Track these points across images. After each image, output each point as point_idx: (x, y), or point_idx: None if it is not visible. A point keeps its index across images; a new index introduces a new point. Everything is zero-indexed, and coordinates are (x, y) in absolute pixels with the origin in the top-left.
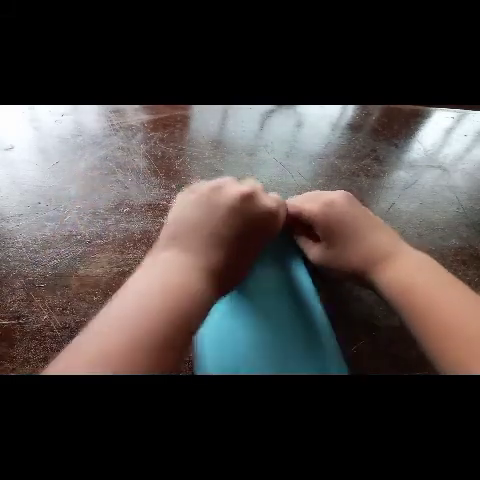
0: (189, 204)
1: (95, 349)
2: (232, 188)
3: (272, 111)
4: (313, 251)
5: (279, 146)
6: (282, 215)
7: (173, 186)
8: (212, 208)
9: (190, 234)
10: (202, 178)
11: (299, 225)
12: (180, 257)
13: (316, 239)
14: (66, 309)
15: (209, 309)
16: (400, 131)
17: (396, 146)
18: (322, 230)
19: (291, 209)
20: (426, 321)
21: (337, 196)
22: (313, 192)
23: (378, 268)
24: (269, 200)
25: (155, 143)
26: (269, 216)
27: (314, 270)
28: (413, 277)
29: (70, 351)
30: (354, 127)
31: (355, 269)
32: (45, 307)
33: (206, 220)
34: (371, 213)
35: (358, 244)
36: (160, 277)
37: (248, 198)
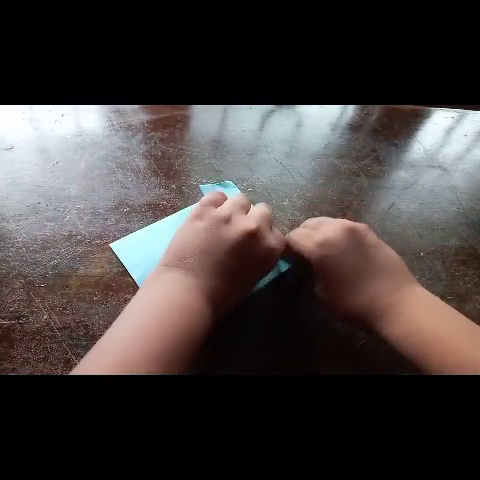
0: (198, 231)
1: (114, 358)
2: (239, 224)
3: (272, 111)
4: (314, 289)
5: (279, 146)
6: (280, 251)
7: (173, 186)
8: (219, 240)
9: (197, 259)
10: (202, 178)
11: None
12: (186, 278)
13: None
14: (66, 309)
15: (208, 328)
16: (400, 131)
17: (396, 146)
18: (317, 273)
19: (292, 247)
20: (460, 365)
21: (332, 234)
22: (313, 221)
23: (384, 320)
24: (271, 238)
25: (155, 143)
26: (268, 255)
27: None
28: (427, 326)
29: (93, 356)
30: (354, 127)
31: (355, 318)
32: (45, 307)
33: (212, 249)
34: (374, 249)
35: (356, 293)
36: (167, 295)
37: (252, 236)
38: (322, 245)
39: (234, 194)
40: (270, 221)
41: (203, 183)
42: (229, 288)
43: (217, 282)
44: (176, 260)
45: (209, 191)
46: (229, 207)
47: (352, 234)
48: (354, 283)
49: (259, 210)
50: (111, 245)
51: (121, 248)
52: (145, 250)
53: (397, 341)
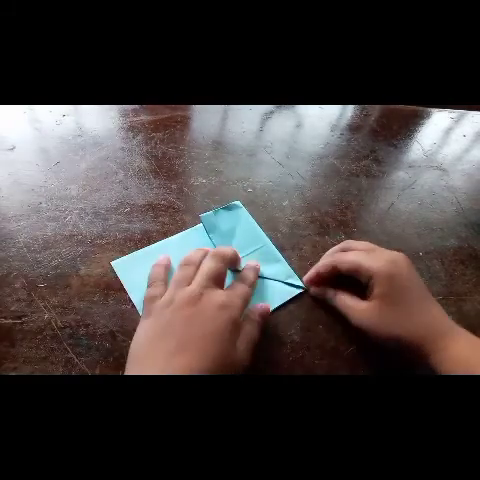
0: (147, 330)
1: None
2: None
3: (272, 112)
4: (360, 309)
5: (279, 147)
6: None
7: (173, 186)
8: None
9: (150, 353)
10: (203, 178)
11: (339, 284)
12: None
13: (362, 297)
14: (67, 308)
15: None
16: (399, 132)
17: (395, 147)
18: (383, 290)
19: (346, 265)
20: None
21: (399, 257)
22: (361, 245)
23: (438, 346)
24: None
25: (156, 144)
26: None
27: None
28: (477, 356)
29: None
30: (353, 128)
31: (411, 341)
32: (46, 307)
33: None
34: (420, 280)
35: (419, 315)
36: None
37: (195, 299)
38: (393, 262)
39: (241, 216)
40: (246, 300)
41: (203, 212)
42: (203, 358)
43: (181, 361)
44: (132, 362)
45: (210, 220)
46: (198, 284)
47: (408, 261)
48: (417, 304)
49: (240, 292)
50: (112, 263)
51: (122, 267)
52: (146, 272)
53: (453, 365)
